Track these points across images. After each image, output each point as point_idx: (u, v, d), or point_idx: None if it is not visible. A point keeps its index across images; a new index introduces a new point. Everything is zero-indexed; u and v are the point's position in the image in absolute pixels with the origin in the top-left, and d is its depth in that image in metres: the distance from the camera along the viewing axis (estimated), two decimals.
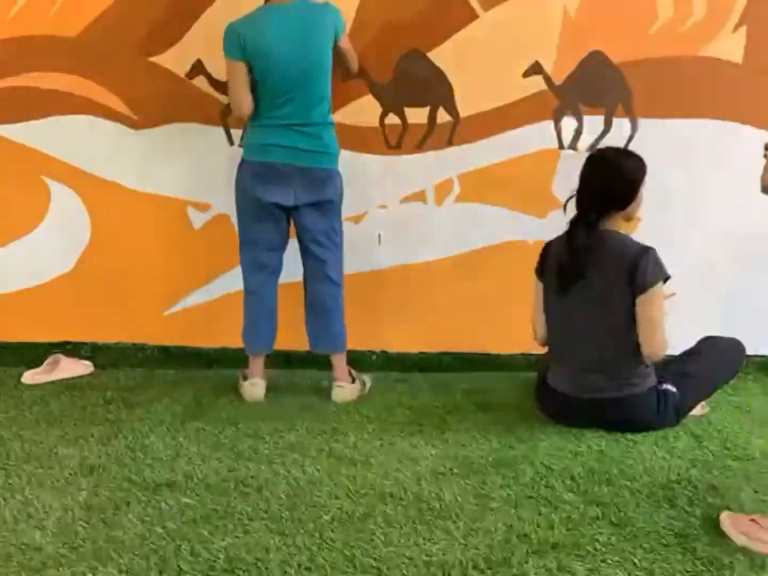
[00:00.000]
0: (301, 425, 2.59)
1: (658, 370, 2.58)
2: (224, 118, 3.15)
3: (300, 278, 2.96)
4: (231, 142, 3.17)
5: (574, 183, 3.07)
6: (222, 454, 2.35)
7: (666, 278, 2.47)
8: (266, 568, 1.71)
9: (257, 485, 2.13)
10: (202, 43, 3.08)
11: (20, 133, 3.17)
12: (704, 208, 3.10)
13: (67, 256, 3.26)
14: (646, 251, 2.46)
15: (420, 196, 3.18)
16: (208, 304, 3.26)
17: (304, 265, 2.93)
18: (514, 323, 3.18)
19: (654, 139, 3.05)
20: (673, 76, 3.04)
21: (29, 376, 3.06)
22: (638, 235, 2.68)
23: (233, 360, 3.21)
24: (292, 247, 2.93)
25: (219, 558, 1.75)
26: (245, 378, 2.94)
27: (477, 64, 3.06)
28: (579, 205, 2.56)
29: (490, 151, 3.12)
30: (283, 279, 2.97)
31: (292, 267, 2.97)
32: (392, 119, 3.13)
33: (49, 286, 3.27)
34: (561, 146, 3.13)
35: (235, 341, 3.01)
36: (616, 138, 3.07)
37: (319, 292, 2.90)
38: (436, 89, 3.10)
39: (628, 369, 2.50)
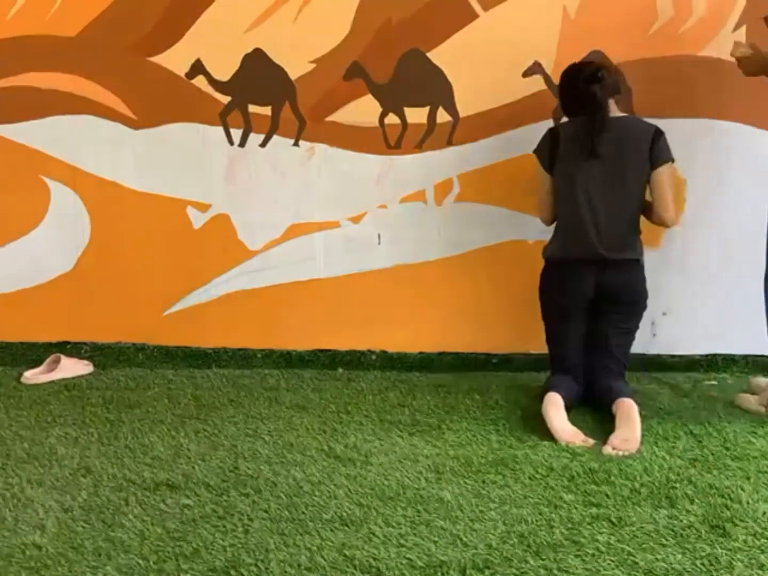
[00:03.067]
0: (301, 425, 2.59)
1: None
2: (224, 118, 3.15)
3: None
4: (231, 142, 3.17)
5: None
6: (222, 454, 2.35)
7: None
8: (266, 568, 1.70)
9: (257, 485, 2.12)
10: (202, 43, 3.08)
11: (20, 133, 3.17)
12: (703, 208, 3.10)
13: (67, 256, 3.25)
14: (660, 131, 2.66)
15: (420, 196, 3.18)
16: (208, 304, 3.26)
17: None
18: (514, 323, 3.18)
19: None
20: (673, 76, 3.03)
21: (29, 376, 3.06)
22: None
23: (233, 360, 3.22)
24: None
25: (219, 558, 1.75)
26: None
27: (477, 64, 3.06)
28: (576, 104, 2.72)
29: (490, 151, 3.12)
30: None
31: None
32: (392, 119, 3.13)
33: (49, 286, 3.26)
34: None
35: (235, 341, 3.00)
36: None
37: None
38: (436, 89, 3.10)
39: (636, 242, 2.70)
